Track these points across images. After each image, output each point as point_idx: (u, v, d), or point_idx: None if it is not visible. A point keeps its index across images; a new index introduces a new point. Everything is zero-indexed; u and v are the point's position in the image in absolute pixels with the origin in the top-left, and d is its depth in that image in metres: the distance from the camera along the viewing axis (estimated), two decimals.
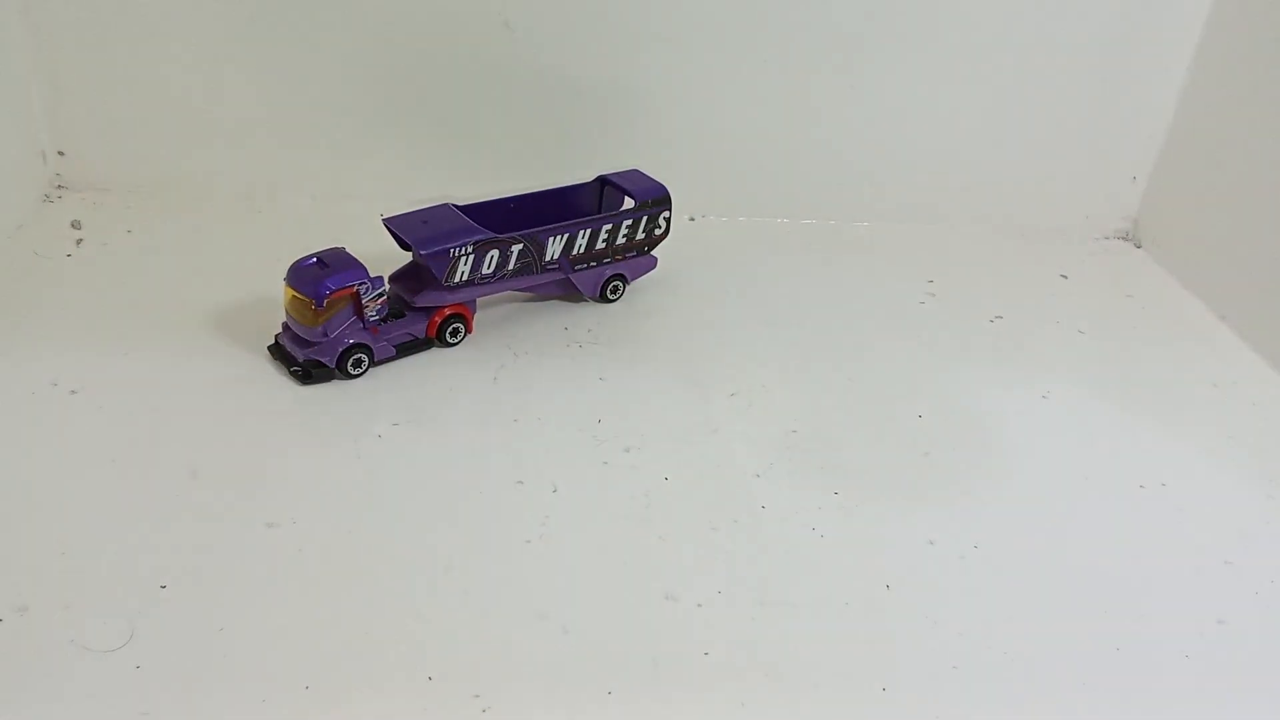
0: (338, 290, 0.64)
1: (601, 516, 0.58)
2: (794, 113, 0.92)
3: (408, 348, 0.69)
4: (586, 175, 0.79)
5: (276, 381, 0.66)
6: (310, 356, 0.65)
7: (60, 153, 0.86)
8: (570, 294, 0.78)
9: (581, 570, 0.54)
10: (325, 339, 0.65)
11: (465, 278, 0.68)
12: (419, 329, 0.69)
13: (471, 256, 0.67)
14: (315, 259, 0.66)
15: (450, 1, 0.83)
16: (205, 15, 0.82)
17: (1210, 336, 0.83)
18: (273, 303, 0.68)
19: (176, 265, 0.79)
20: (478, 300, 0.73)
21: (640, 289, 0.81)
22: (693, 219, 0.93)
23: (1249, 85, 0.87)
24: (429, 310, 0.69)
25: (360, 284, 0.65)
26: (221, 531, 0.54)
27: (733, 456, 0.63)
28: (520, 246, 0.70)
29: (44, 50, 0.81)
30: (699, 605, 0.52)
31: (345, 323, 0.65)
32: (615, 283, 0.78)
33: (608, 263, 0.76)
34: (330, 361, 0.65)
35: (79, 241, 0.80)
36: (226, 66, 0.84)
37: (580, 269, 0.75)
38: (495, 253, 0.69)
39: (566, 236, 0.72)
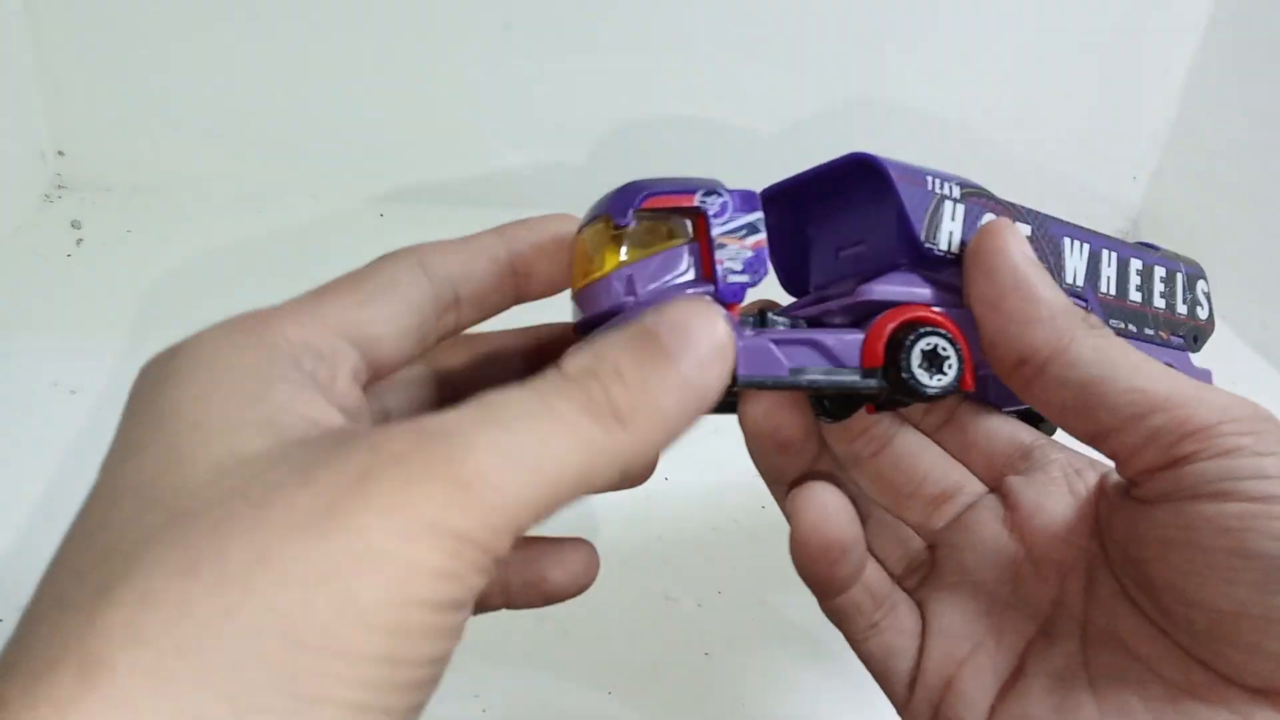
0: (659, 197, 0.29)
1: (602, 516, 0.58)
2: (793, 112, 0.92)
3: (820, 378, 0.30)
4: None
5: None
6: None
7: (60, 153, 0.86)
8: None
9: None
10: (630, 300, 0.29)
11: (953, 246, 0.31)
12: (846, 345, 0.30)
13: (961, 210, 0.31)
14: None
15: (451, 1, 0.83)
16: (205, 15, 0.82)
17: (1210, 336, 0.83)
18: (272, 301, 0.68)
19: (176, 265, 0.79)
20: None
21: None
22: None
23: (1249, 85, 0.87)
24: (856, 313, 0.32)
25: (708, 195, 0.29)
26: None
27: (733, 457, 0.63)
28: (1029, 231, 0.33)
29: (44, 50, 0.81)
30: (699, 605, 0.52)
31: (675, 276, 0.29)
32: None
33: (1151, 338, 0.37)
34: None
35: (79, 241, 0.80)
36: (226, 66, 0.84)
37: (1116, 328, 0.35)
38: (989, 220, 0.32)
39: (1089, 248, 0.35)
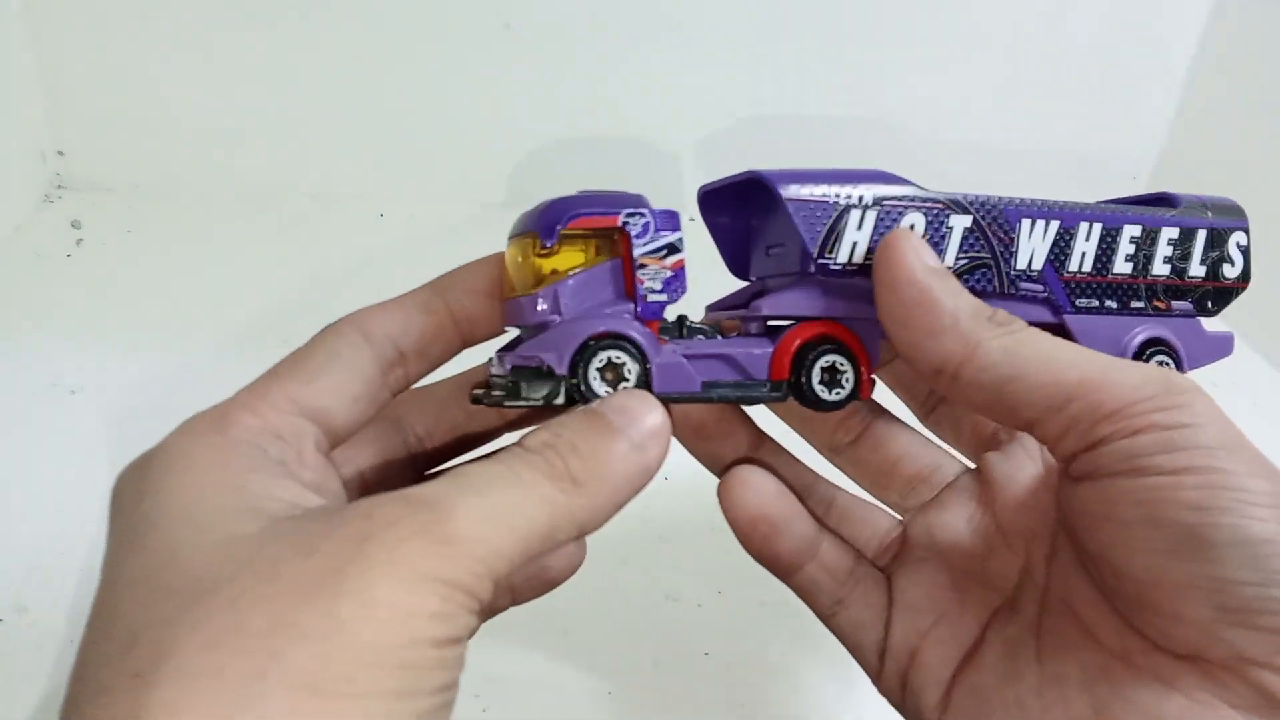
0: (585, 218, 0.30)
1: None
2: (793, 111, 0.92)
3: (729, 392, 0.32)
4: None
5: None
6: (520, 360, 0.31)
7: (60, 153, 0.86)
8: None
9: (581, 570, 0.54)
10: (555, 319, 0.30)
11: (856, 258, 0.32)
12: (755, 359, 0.32)
13: (872, 216, 0.32)
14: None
15: (451, 1, 0.83)
16: (206, 15, 0.82)
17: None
18: (273, 301, 0.68)
19: (176, 265, 0.79)
20: None
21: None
22: (692, 219, 0.93)
23: (1249, 85, 0.87)
24: (777, 329, 0.33)
25: (631, 215, 0.30)
26: None
27: None
28: (968, 223, 0.33)
29: (44, 50, 0.81)
30: (699, 605, 0.52)
31: (597, 294, 0.31)
32: (1160, 355, 0.36)
33: (1139, 310, 0.36)
34: (560, 362, 0.30)
35: (79, 241, 0.80)
36: (226, 66, 0.84)
37: (1086, 307, 0.35)
38: (917, 222, 0.33)
39: (1058, 227, 0.34)
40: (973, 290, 0.32)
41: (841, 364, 0.32)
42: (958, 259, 0.33)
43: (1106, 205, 0.35)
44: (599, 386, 0.30)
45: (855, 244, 0.32)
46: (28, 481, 0.56)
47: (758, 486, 0.34)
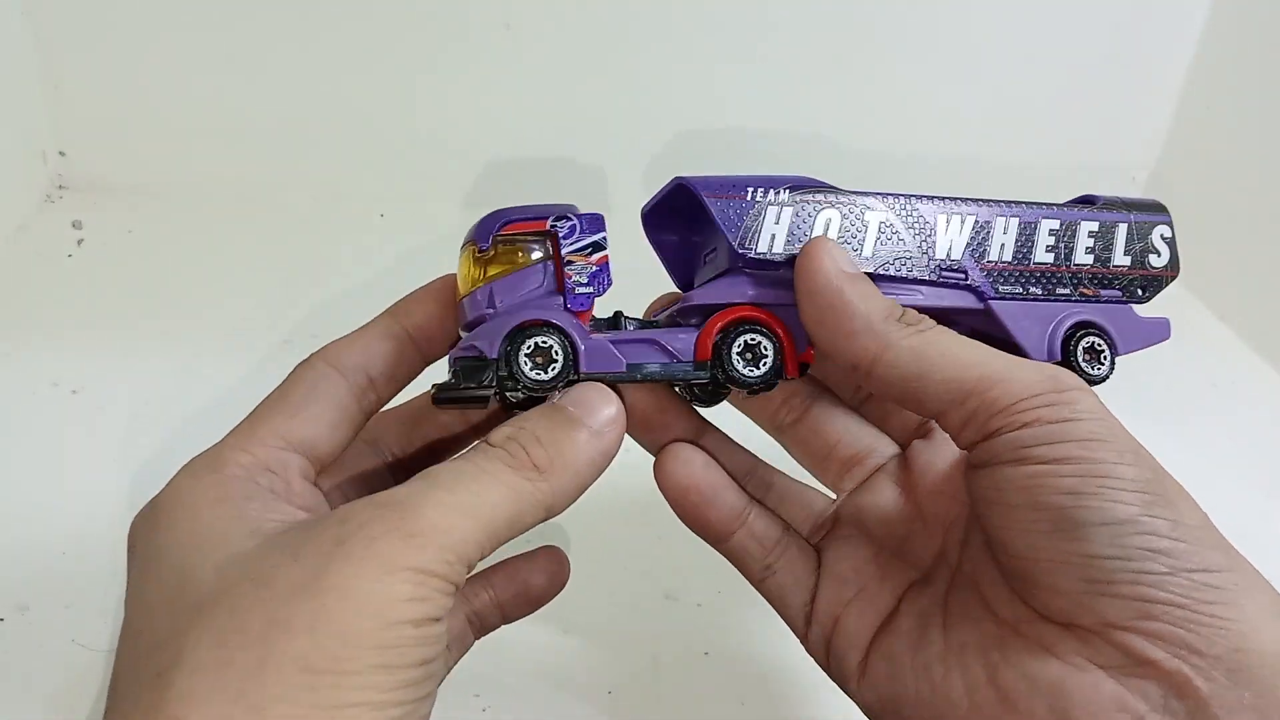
0: (516, 224, 0.35)
1: (601, 516, 0.58)
2: (789, 112, 0.92)
3: (656, 371, 0.35)
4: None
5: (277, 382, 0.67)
6: (460, 352, 0.34)
7: (61, 153, 0.86)
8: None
9: (582, 570, 0.54)
10: (490, 312, 0.34)
11: (776, 249, 0.35)
12: (681, 343, 0.35)
13: (789, 212, 0.35)
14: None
15: (451, 1, 0.83)
16: (206, 15, 0.82)
17: (1210, 336, 0.83)
18: (273, 301, 0.68)
19: (177, 265, 0.79)
20: None
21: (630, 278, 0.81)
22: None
23: (1249, 85, 0.87)
24: (702, 313, 0.36)
25: (559, 219, 0.35)
26: None
27: None
28: (883, 217, 0.36)
29: (44, 50, 0.81)
30: (699, 605, 0.52)
31: (530, 290, 0.35)
32: (1091, 337, 0.37)
33: (1066, 296, 0.38)
34: (490, 348, 0.33)
35: (80, 242, 0.80)
36: (226, 66, 0.84)
37: (1010, 293, 0.37)
38: (833, 217, 0.35)
39: (975, 220, 0.37)
40: (894, 277, 0.36)
41: (760, 342, 0.35)
42: (876, 249, 0.36)
43: (1033, 204, 0.38)
44: (529, 369, 0.33)
45: (774, 236, 0.35)
46: (28, 481, 0.56)
47: (686, 459, 0.37)
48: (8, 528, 0.53)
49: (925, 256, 0.36)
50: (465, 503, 0.28)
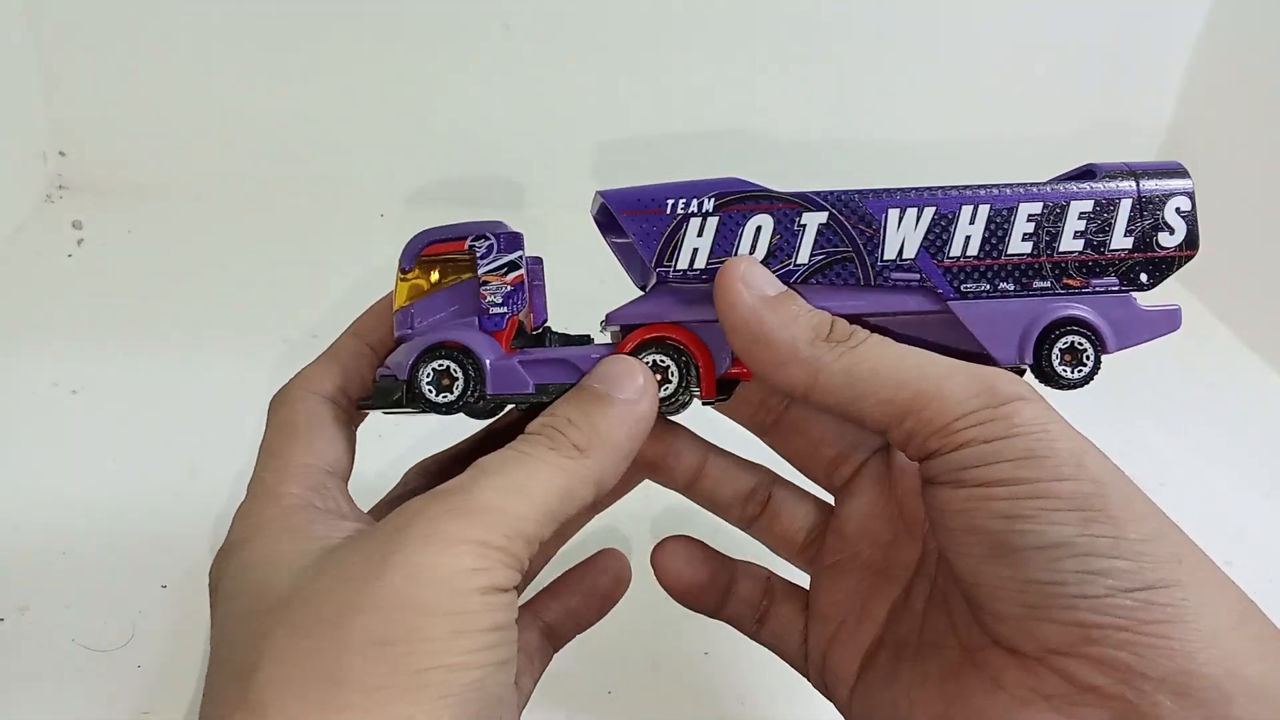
0: (438, 244, 0.35)
1: (601, 516, 0.58)
2: (794, 108, 0.92)
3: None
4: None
5: (277, 382, 0.67)
6: (383, 372, 0.35)
7: (61, 153, 0.86)
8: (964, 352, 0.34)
9: None
10: (409, 332, 0.35)
11: (698, 264, 0.34)
12: (589, 363, 0.34)
13: (714, 223, 0.33)
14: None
15: (451, 2, 0.83)
16: (206, 15, 0.82)
17: (1210, 336, 0.83)
18: (273, 301, 0.68)
19: (177, 265, 0.79)
20: None
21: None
22: None
23: (1249, 86, 0.87)
24: (620, 331, 0.36)
25: (477, 240, 0.35)
26: (222, 531, 0.54)
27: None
28: (823, 219, 0.33)
29: (44, 50, 0.81)
30: None
31: (446, 309, 0.35)
32: (1069, 336, 0.34)
33: (1044, 290, 0.34)
34: (401, 369, 0.34)
35: (80, 242, 0.80)
36: (227, 66, 0.84)
37: (975, 292, 0.34)
38: (764, 224, 0.34)
39: (933, 214, 0.33)
40: (833, 283, 0.33)
41: (664, 362, 0.34)
42: (813, 255, 0.33)
43: (1012, 185, 0.34)
44: (432, 394, 0.34)
45: (696, 250, 0.33)
46: (28, 481, 0.56)
47: (686, 559, 0.39)
48: (8, 528, 0.53)
49: (870, 258, 0.33)
50: (516, 484, 0.29)
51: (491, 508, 0.28)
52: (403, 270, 0.35)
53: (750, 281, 0.32)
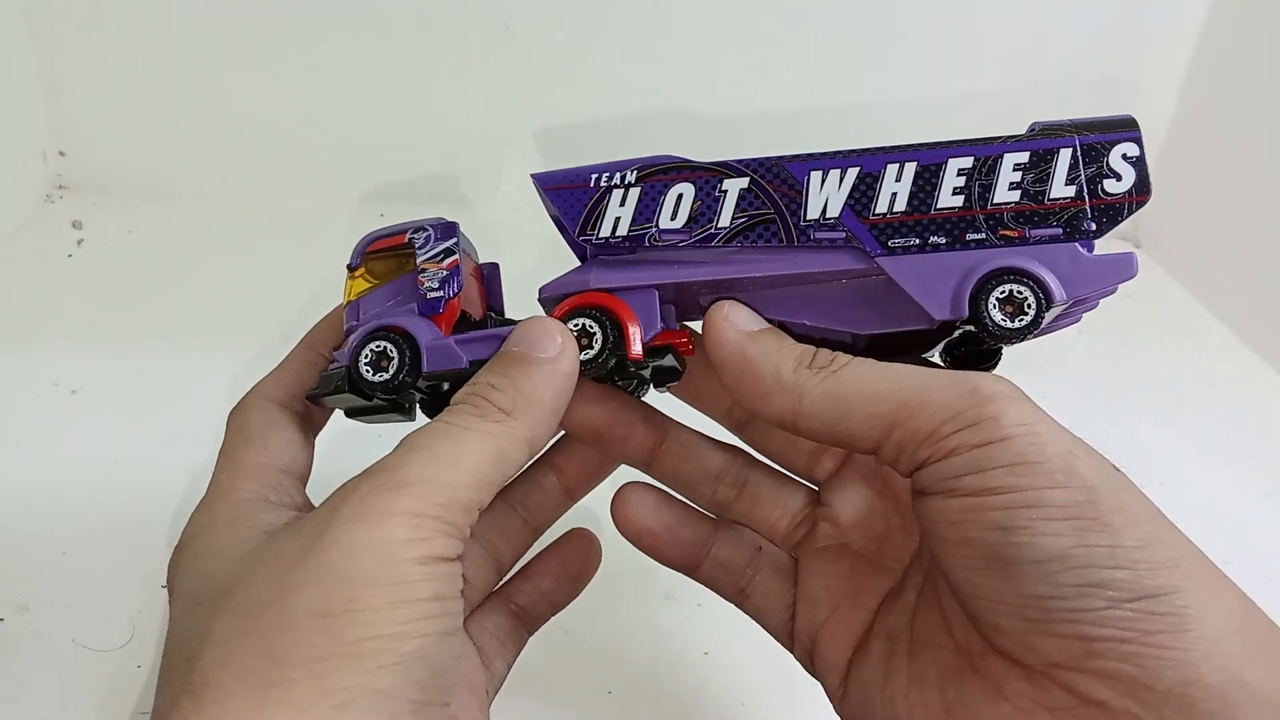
0: (381, 240, 0.38)
1: (601, 516, 0.58)
2: (795, 108, 0.92)
3: None
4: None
5: None
6: (332, 368, 0.36)
7: (61, 153, 0.86)
8: (889, 305, 0.34)
9: None
10: (355, 324, 0.37)
11: (620, 231, 0.35)
12: None
13: (635, 193, 0.35)
14: None
15: (451, 1, 0.83)
16: (206, 15, 0.82)
17: (1209, 336, 0.83)
18: (273, 301, 0.68)
19: (177, 265, 0.79)
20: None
21: None
22: None
23: (1249, 86, 0.87)
24: (550, 302, 0.37)
25: (416, 232, 0.37)
26: None
27: None
28: (744, 184, 0.35)
29: (44, 50, 0.81)
30: (699, 605, 0.52)
31: (391, 300, 0.37)
32: (1007, 285, 0.33)
33: (980, 243, 0.33)
34: (345, 357, 0.35)
35: (80, 242, 0.80)
36: (227, 66, 0.84)
37: (904, 247, 0.34)
38: (685, 191, 0.35)
39: (857, 174, 0.34)
40: (756, 244, 0.34)
41: (591, 326, 0.34)
42: (734, 218, 0.35)
43: (936, 145, 0.34)
44: (370, 374, 0.35)
45: (618, 219, 0.35)
46: (28, 481, 0.56)
47: (636, 502, 0.38)
48: (8, 528, 0.53)
49: (793, 218, 0.34)
50: (444, 453, 0.29)
51: (423, 478, 0.28)
52: (350, 268, 0.38)
53: (734, 319, 0.33)
